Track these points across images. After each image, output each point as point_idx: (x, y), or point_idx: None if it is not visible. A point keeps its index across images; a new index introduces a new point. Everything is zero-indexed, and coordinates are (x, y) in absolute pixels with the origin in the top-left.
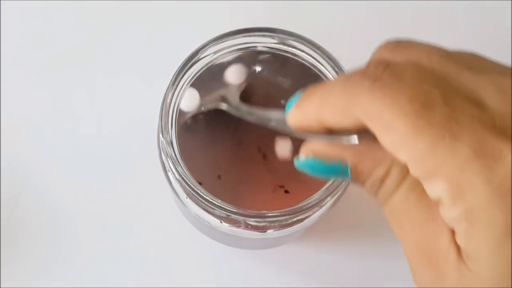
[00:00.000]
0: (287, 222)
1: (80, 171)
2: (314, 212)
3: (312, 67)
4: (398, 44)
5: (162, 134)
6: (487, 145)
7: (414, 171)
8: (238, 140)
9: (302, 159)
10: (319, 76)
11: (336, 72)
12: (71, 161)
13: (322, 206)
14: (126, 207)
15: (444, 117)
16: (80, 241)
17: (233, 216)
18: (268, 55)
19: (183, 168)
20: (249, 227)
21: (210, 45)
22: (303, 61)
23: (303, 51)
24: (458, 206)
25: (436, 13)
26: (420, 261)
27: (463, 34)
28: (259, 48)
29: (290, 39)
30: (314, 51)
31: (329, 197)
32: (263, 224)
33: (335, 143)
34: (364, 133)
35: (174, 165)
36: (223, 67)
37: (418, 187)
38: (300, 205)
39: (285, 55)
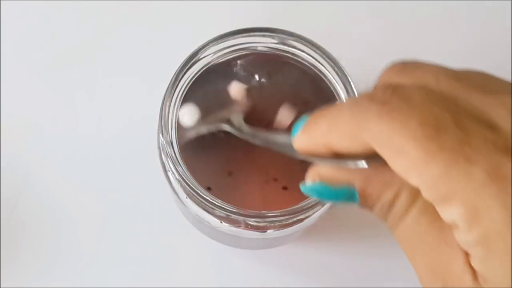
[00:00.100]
0: (287, 222)
1: (80, 171)
2: (314, 212)
3: (312, 67)
4: (405, 66)
5: (162, 134)
6: (502, 168)
7: (427, 195)
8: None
9: (309, 184)
10: (319, 76)
11: (336, 72)
12: (71, 161)
13: (322, 206)
14: (126, 207)
15: (456, 141)
16: (80, 241)
17: (233, 216)
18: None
19: (183, 168)
20: (249, 227)
21: (210, 45)
22: (303, 61)
23: (303, 51)
24: (474, 230)
25: (436, 13)
26: (434, 284)
27: (463, 34)
28: (259, 48)
29: (290, 39)
30: (314, 51)
31: None
32: (263, 224)
33: (342, 167)
34: (372, 157)
35: (174, 165)
36: (223, 67)
37: (428, 210)
38: (300, 205)
39: (284, 58)
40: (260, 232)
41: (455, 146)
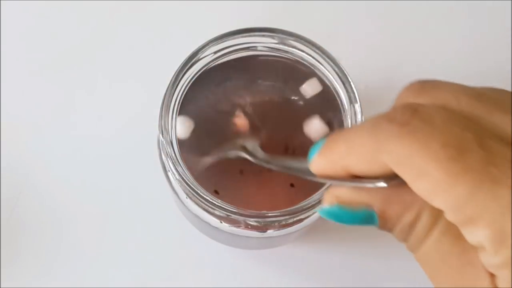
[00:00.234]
0: (287, 222)
1: (80, 171)
2: (314, 212)
3: (312, 67)
4: (423, 86)
5: (162, 134)
6: None
7: (451, 217)
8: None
9: (325, 207)
10: (319, 76)
11: (336, 72)
12: (71, 161)
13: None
14: (126, 207)
15: (480, 161)
16: (80, 241)
17: (233, 216)
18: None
19: (183, 168)
20: (249, 227)
21: (210, 45)
22: (303, 61)
23: (303, 51)
24: (502, 253)
25: (436, 13)
26: None
27: (463, 34)
28: (259, 48)
29: (290, 39)
30: (314, 51)
31: None
32: (263, 224)
33: (360, 189)
34: (391, 177)
35: (174, 165)
36: (223, 67)
37: (451, 231)
38: (300, 205)
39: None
40: (260, 232)
41: (479, 166)
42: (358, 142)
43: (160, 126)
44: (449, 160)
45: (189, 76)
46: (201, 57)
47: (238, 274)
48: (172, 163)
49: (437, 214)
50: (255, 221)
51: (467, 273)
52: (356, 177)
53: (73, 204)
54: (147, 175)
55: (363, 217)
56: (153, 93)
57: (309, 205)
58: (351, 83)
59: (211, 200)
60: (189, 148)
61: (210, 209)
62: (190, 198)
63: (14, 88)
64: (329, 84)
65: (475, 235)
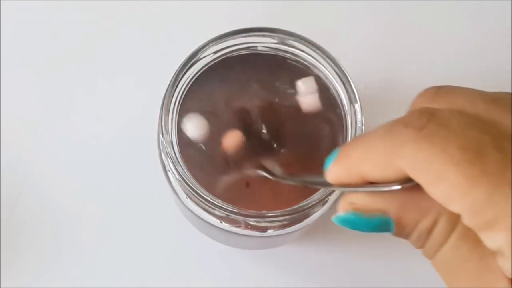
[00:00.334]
0: (287, 222)
1: (80, 171)
2: (314, 212)
3: (312, 67)
4: (438, 91)
5: (162, 134)
6: None
7: (469, 222)
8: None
9: (341, 214)
10: (319, 76)
11: (336, 72)
12: (71, 161)
13: (322, 206)
14: (126, 207)
15: (498, 164)
16: (80, 241)
17: (233, 216)
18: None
19: (183, 168)
20: (249, 227)
21: (210, 45)
22: (303, 61)
23: (303, 51)
24: None
25: (436, 13)
26: None
27: (463, 34)
28: (259, 48)
29: (290, 39)
30: (314, 51)
31: (329, 197)
32: (263, 224)
33: (376, 195)
34: (406, 182)
35: (174, 165)
36: (223, 67)
37: (468, 236)
38: (300, 205)
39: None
40: (260, 232)
41: (496, 169)
42: (373, 147)
43: (160, 126)
44: (466, 163)
45: (189, 76)
46: (201, 57)
47: (237, 274)
48: (172, 163)
49: (454, 219)
50: (255, 221)
51: (485, 278)
52: (372, 184)
53: (73, 204)
54: (147, 175)
55: (379, 224)
56: (153, 93)
57: (309, 205)
58: (351, 83)
59: (211, 200)
60: (193, 150)
61: (210, 209)
62: (190, 198)
63: (14, 88)
64: (329, 84)
65: (493, 239)
